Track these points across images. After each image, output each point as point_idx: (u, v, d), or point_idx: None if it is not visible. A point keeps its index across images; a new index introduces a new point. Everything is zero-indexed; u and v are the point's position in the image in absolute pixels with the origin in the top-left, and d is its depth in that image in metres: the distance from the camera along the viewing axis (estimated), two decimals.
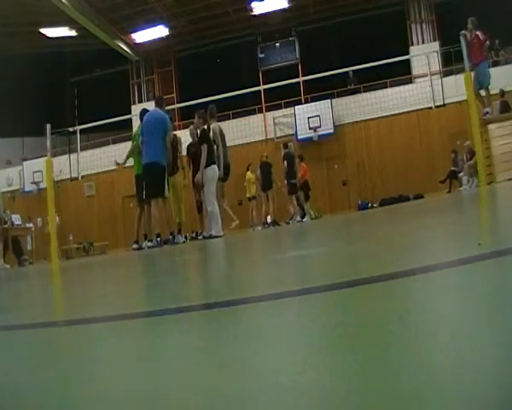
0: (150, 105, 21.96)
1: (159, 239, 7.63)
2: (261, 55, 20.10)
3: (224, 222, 8.52)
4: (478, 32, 9.92)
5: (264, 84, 17.28)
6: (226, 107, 17.97)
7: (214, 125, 9.03)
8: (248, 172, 14.78)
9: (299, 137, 17.87)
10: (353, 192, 17.45)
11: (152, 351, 0.85)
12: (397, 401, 0.45)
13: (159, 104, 8.30)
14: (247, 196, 14.75)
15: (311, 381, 0.54)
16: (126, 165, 9.04)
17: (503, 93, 11.26)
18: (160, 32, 19.41)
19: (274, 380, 0.56)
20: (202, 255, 4.16)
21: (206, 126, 8.79)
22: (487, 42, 10.03)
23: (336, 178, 17.73)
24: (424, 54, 16.58)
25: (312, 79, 14.75)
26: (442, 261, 1.29)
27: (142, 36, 19.55)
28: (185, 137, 9.68)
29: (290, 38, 19.96)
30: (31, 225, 14.15)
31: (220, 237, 7.85)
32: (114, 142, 19.63)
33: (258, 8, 18.64)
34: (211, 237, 7.92)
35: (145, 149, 7.76)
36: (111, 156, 18.09)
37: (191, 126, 9.35)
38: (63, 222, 16.80)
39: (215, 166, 8.36)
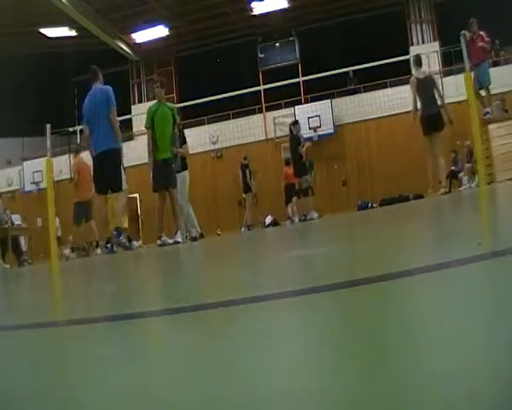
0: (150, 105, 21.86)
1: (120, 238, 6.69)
2: (261, 55, 20.08)
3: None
4: (482, 33, 9.91)
5: (264, 84, 17.26)
6: (226, 107, 17.97)
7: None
8: None
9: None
10: (353, 192, 17.44)
11: (150, 351, 0.85)
12: (397, 402, 0.45)
13: (96, 77, 7.07)
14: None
15: (311, 381, 0.54)
16: (125, 165, 8.92)
17: (503, 101, 11.27)
18: (160, 32, 19.39)
19: (273, 380, 0.56)
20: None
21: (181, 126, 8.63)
22: (485, 45, 9.92)
23: (336, 178, 17.72)
24: (424, 54, 16.53)
25: (312, 79, 14.73)
26: (442, 261, 1.29)
27: (142, 36, 19.53)
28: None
29: (290, 38, 19.94)
30: (24, 225, 14.16)
31: (180, 243, 7.24)
32: None
33: (258, 8, 18.62)
34: (177, 243, 7.28)
35: (93, 138, 6.61)
36: None
37: None
38: (62, 222, 16.77)
39: (187, 172, 8.24)
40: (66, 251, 9.48)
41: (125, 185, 6.88)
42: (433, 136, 8.26)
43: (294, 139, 11.39)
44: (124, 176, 6.73)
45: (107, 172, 6.57)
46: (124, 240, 6.78)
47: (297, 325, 0.86)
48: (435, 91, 8.54)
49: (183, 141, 8.29)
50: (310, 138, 17.76)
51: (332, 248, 2.58)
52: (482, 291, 0.89)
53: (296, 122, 11.90)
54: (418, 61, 8.85)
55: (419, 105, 8.44)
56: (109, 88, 6.89)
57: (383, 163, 17.31)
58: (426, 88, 8.40)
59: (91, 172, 8.05)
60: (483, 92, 10.12)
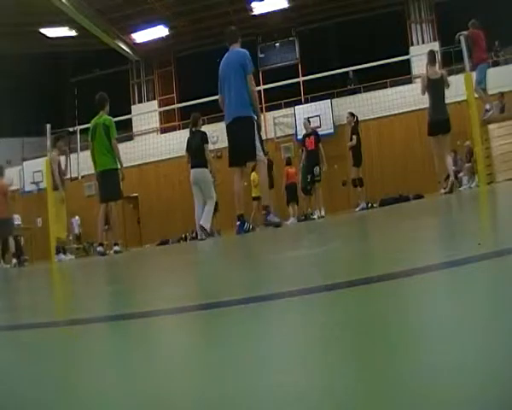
0: (150, 105, 21.94)
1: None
2: (261, 55, 20.09)
3: None
4: (479, 32, 9.91)
5: (264, 84, 17.25)
6: None
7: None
8: (253, 173, 14.88)
9: (299, 137, 17.84)
10: (353, 192, 17.42)
11: (150, 351, 0.85)
12: (397, 402, 0.45)
13: (231, 39, 6.90)
14: (252, 195, 14.87)
15: (311, 381, 0.54)
16: (124, 165, 8.82)
17: (502, 97, 11.27)
18: (160, 32, 19.41)
19: (274, 380, 0.56)
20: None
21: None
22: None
23: (336, 178, 17.71)
24: (424, 54, 16.52)
25: (312, 79, 14.73)
26: (442, 261, 1.29)
27: (142, 36, 19.55)
28: (183, 137, 9.81)
29: (290, 38, 19.96)
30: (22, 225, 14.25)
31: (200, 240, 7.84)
32: None
33: (258, 8, 18.64)
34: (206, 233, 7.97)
35: (225, 106, 6.26)
36: None
37: None
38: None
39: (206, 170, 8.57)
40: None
41: (261, 156, 6.15)
42: (440, 138, 8.29)
43: (356, 129, 12.16)
44: (259, 146, 6.00)
45: (240, 142, 6.03)
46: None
47: (297, 325, 0.86)
48: (445, 89, 8.39)
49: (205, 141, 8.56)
50: None
51: (332, 247, 2.58)
52: (482, 291, 0.89)
53: (353, 114, 12.57)
54: (433, 57, 8.69)
55: (428, 105, 8.41)
56: (246, 52, 6.35)
57: (383, 163, 17.32)
58: (438, 90, 8.29)
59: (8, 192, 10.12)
60: (480, 92, 10.11)
